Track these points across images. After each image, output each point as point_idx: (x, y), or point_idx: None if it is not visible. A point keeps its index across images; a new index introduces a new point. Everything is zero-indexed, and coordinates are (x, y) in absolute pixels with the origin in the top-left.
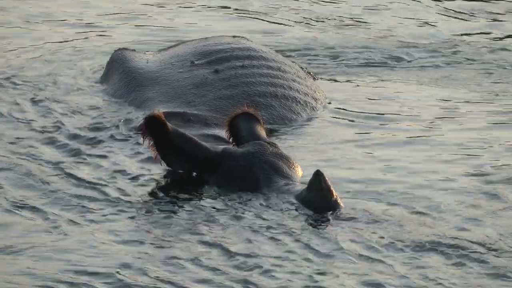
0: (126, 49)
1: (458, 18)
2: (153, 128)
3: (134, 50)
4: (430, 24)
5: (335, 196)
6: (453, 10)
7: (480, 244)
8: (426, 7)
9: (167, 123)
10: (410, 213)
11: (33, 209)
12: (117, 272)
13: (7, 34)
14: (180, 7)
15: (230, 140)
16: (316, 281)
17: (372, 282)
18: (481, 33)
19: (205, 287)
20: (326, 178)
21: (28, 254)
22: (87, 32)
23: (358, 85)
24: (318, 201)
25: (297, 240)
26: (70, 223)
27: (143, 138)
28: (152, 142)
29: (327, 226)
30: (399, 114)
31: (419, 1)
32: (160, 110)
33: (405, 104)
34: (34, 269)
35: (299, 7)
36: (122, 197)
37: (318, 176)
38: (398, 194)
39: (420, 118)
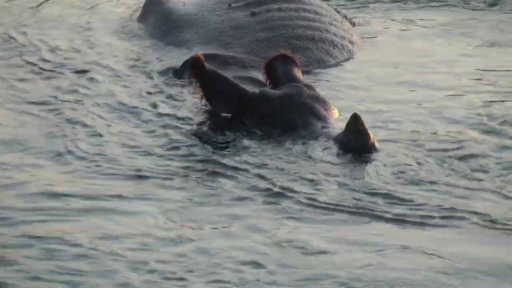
0: None
1: None
2: (194, 69)
3: None
4: None
5: (372, 139)
6: None
7: None
8: None
9: (206, 64)
10: (444, 157)
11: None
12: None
13: None
14: None
15: (267, 82)
16: (353, 221)
17: (410, 218)
18: None
19: (239, 230)
20: (363, 121)
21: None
22: None
23: (389, 26)
24: (355, 143)
25: (333, 182)
26: (111, 163)
27: (189, 79)
28: (197, 83)
29: (364, 168)
30: (433, 56)
31: None
32: (199, 52)
33: (439, 44)
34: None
35: None
36: (157, 141)
37: (355, 118)
38: (435, 136)
39: (455, 60)
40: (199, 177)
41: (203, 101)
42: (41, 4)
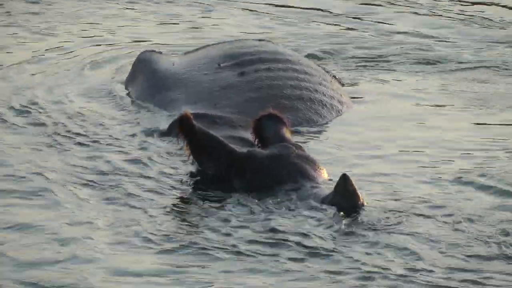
0: (152, 51)
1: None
2: (183, 127)
3: (160, 52)
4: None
5: (361, 200)
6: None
7: None
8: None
9: (195, 123)
10: (439, 218)
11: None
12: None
13: (31, 35)
14: (206, 10)
15: (256, 142)
16: (341, 282)
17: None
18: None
19: None
20: (352, 181)
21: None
22: (113, 33)
23: (383, 86)
24: (345, 203)
25: (322, 244)
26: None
27: (177, 138)
28: (186, 142)
29: (352, 229)
30: (423, 117)
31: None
32: (188, 111)
33: (429, 105)
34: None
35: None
36: (146, 200)
37: (344, 179)
38: (425, 198)
39: (447, 118)
40: (182, 244)
41: (191, 159)
42: (21, 63)
